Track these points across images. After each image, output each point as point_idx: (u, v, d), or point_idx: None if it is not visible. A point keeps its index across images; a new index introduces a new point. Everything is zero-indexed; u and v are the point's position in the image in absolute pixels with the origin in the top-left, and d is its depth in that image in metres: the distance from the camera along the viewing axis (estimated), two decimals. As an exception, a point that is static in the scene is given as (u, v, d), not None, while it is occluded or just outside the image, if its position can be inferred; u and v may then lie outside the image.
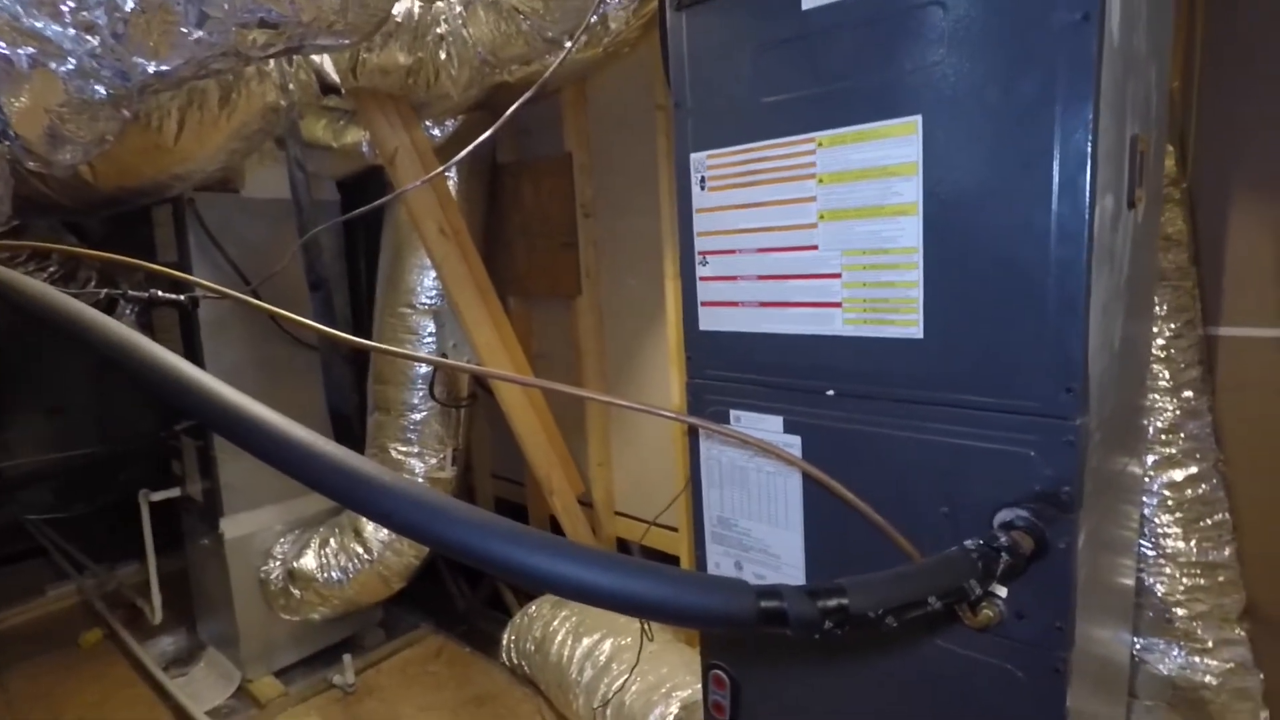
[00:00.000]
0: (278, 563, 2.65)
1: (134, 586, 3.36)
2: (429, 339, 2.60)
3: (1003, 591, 0.76)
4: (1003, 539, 0.69)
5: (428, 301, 2.61)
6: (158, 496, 2.79)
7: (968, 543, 0.69)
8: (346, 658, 2.75)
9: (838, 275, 0.84)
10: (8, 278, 0.85)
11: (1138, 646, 1.27)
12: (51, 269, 1.84)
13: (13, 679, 2.91)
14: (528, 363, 2.58)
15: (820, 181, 0.83)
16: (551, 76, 1.50)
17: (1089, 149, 0.66)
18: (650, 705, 1.88)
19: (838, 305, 0.84)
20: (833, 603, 0.56)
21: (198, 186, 2.34)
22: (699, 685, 1.93)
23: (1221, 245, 1.55)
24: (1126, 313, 0.87)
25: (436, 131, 2.55)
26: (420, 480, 2.58)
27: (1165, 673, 1.26)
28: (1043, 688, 0.77)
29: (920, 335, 0.79)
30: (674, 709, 1.83)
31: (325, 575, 2.57)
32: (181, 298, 1.16)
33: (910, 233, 0.78)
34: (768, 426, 0.93)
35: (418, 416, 2.61)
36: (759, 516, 0.97)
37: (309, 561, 2.59)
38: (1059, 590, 0.74)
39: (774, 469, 0.94)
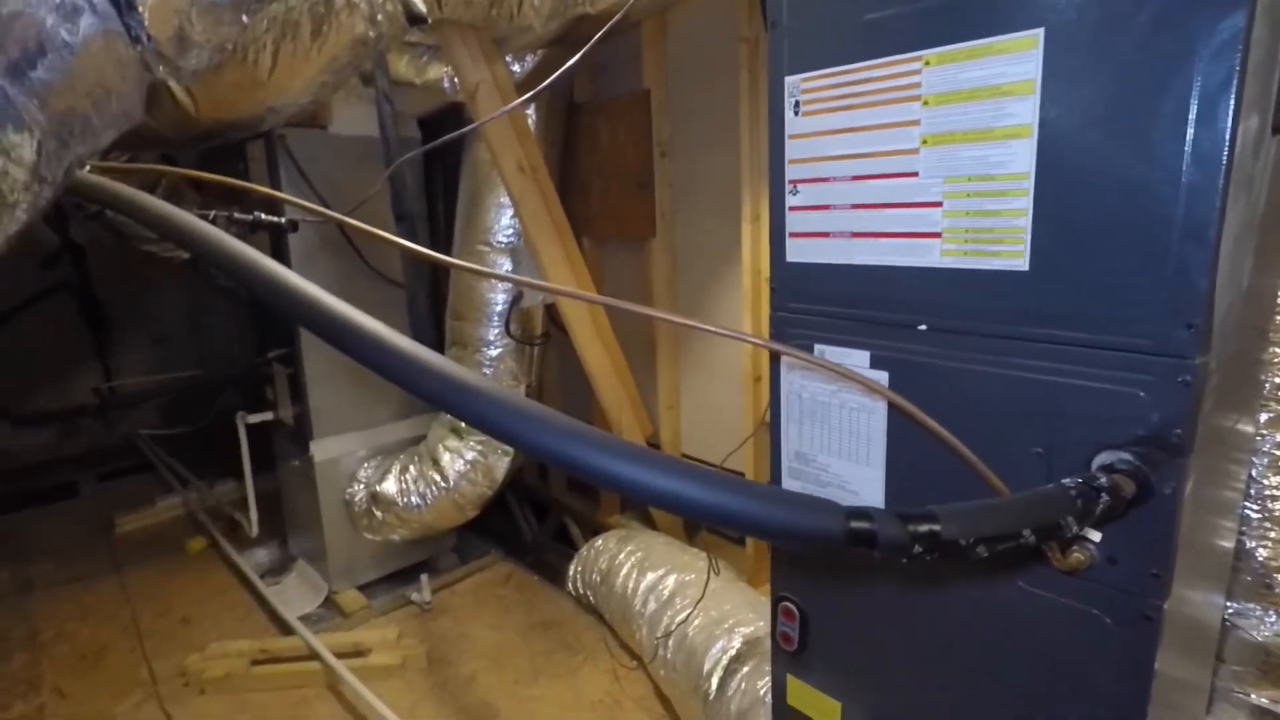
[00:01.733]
0: (362, 486, 2.80)
1: (232, 502, 3.63)
2: (504, 277, 2.64)
3: (1096, 535, 0.74)
4: (1103, 480, 0.67)
5: (504, 240, 2.65)
6: (253, 419, 2.99)
7: (1066, 481, 0.67)
8: (423, 578, 2.92)
9: (939, 204, 0.80)
10: (139, 198, 0.91)
11: (1230, 610, 1.21)
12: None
13: (129, 576, 3.22)
14: (600, 305, 2.60)
15: (925, 103, 0.79)
16: (633, 7, 1.46)
17: (1237, 60, 0.60)
18: (713, 639, 1.92)
19: (937, 236, 0.81)
20: (924, 528, 0.55)
21: (288, 122, 2.42)
22: (760, 622, 1.97)
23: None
24: (1257, 252, 0.81)
25: (517, 68, 2.54)
26: (494, 414, 2.67)
27: (1259, 639, 1.20)
28: (1131, 636, 0.75)
29: (1025, 268, 0.75)
30: (736, 643, 1.87)
31: (405, 500, 2.71)
32: (283, 220, 1.22)
33: (1022, 158, 0.73)
34: (854, 361, 0.91)
35: (493, 352, 2.68)
36: (838, 452, 0.96)
37: (390, 486, 2.73)
38: (1160, 537, 0.71)
39: (857, 404, 0.92)
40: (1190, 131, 0.63)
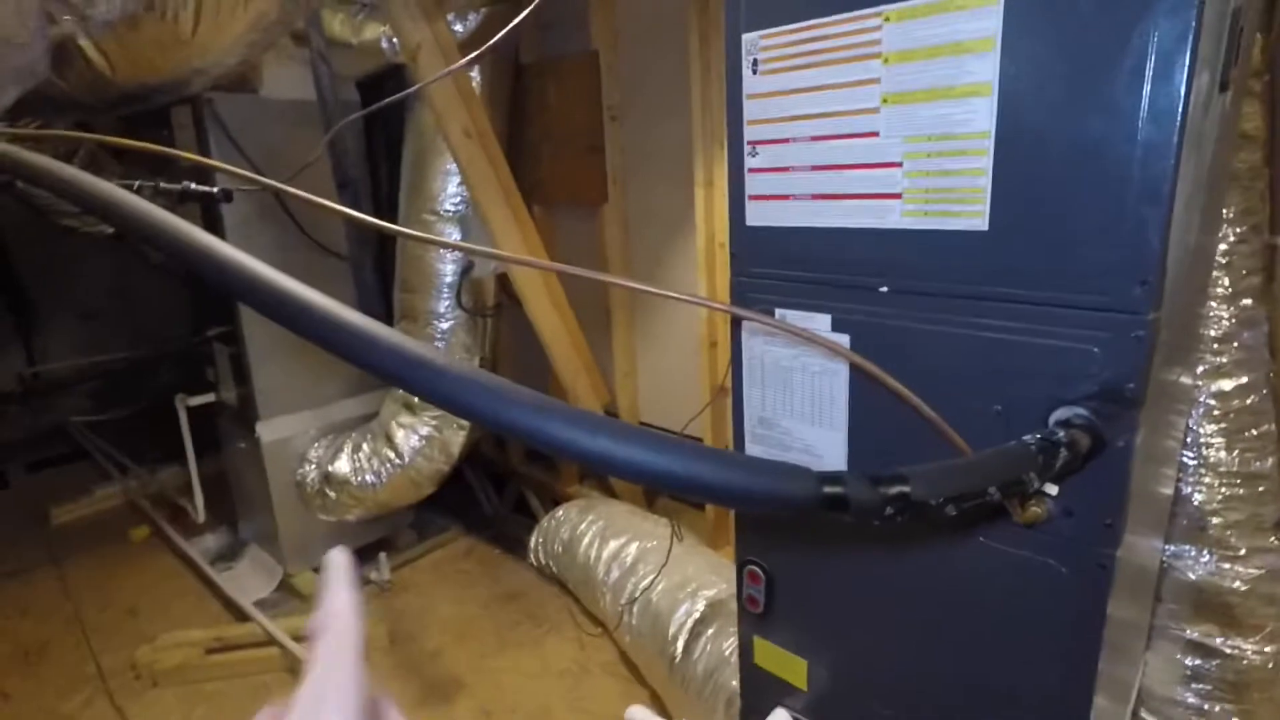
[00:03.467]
0: (313, 466, 2.73)
1: (176, 488, 3.50)
2: (454, 247, 2.57)
3: (1053, 489, 0.76)
4: (1061, 435, 0.68)
5: (452, 208, 2.57)
6: (194, 401, 2.87)
7: (1026, 437, 0.68)
8: (382, 556, 2.88)
9: (899, 164, 0.80)
10: (54, 166, 0.83)
11: (1168, 553, 1.28)
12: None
13: (69, 569, 3.09)
14: (553, 274, 2.56)
15: (885, 61, 0.78)
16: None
17: (1194, 15, 0.60)
18: (676, 603, 1.95)
19: (897, 197, 0.81)
20: (894, 489, 0.56)
21: (216, 85, 2.28)
22: (723, 585, 2.00)
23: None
24: (1202, 209, 0.83)
25: (459, 27, 2.44)
26: (449, 388, 2.62)
27: (1193, 578, 1.27)
28: (1086, 583, 0.77)
29: (985, 227, 0.75)
30: (700, 606, 1.90)
31: (359, 479, 2.65)
32: (215, 189, 1.14)
33: (982, 116, 0.73)
34: (815, 325, 0.91)
35: (445, 325, 2.62)
36: (801, 416, 0.96)
37: (343, 465, 2.67)
38: (1113, 488, 0.73)
39: (820, 368, 0.92)
40: (1147, 88, 0.64)
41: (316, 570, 2.88)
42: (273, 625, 2.46)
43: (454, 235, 2.56)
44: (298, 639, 2.40)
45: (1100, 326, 0.70)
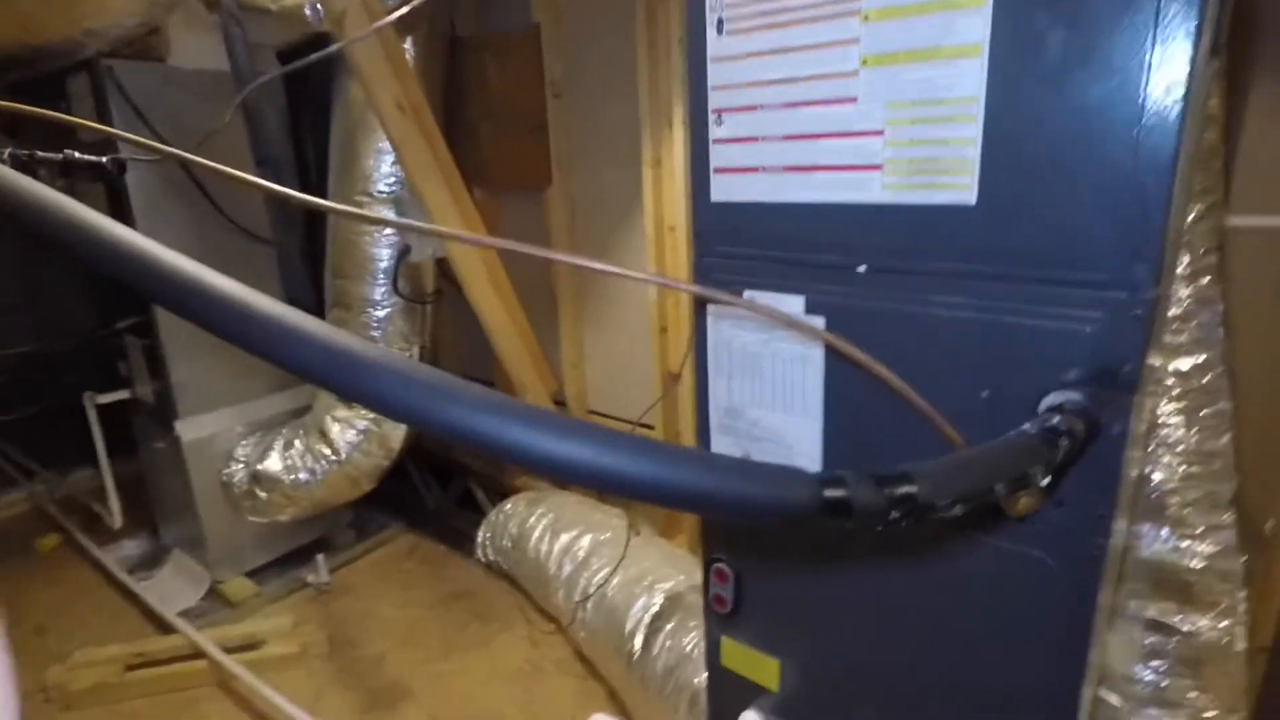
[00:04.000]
0: (241, 465, 2.55)
1: (89, 491, 3.24)
2: (389, 230, 2.42)
3: (1044, 479, 0.71)
4: (1060, 423, 0.64)
5: (386, 189, 2.42)
6: (105, 399, 2.64)
7: (1026, 426, 0.63)
8: (320, 557, 2.73)
9: (879, 132, 0.73)
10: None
11: (1130, 530, 1.28)
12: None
13: (-33, 585, 2.82)
14: (496, 258, 2.44)
15: (865, 18, 0.71)
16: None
17: (1204, -33, 0.56)
18: (633, 597, 1.89)
19: (877, 168, 0.74)
20: (900, 490, 0.50)
21: (116, 51, 2.07)
22: (680, 577, 1.94)
23: (1238, 127, 1.48)
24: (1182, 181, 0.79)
25: (389, -7, 2.28)
26: (387, 380, 2.48)
27: (1151, 557, 1.28)
28: (1077, 575, 0.74)
29: (973, 201, 0.70)
30: (657, 600, 1.84)
31: (292, 477, 2.50)
32: (104, 159, 1.00)
33: (971, 79, 0.67)
34: (787, 308, 0.84)
35: (380, 313, 2.47)
36: (772, 405, 0.90)
37: (274, 463, 2.50)
38: (1107, 476, 0.69)
39: (792, 354, 0.86)
40: (1152, 49, 0.59)
41: (248, 575, 2.71)
42: (200, 636, 2.29)
43: (389, 217, 2.41)
44: (228, 649, 2.24)
45: (1097, 305, 0.65)
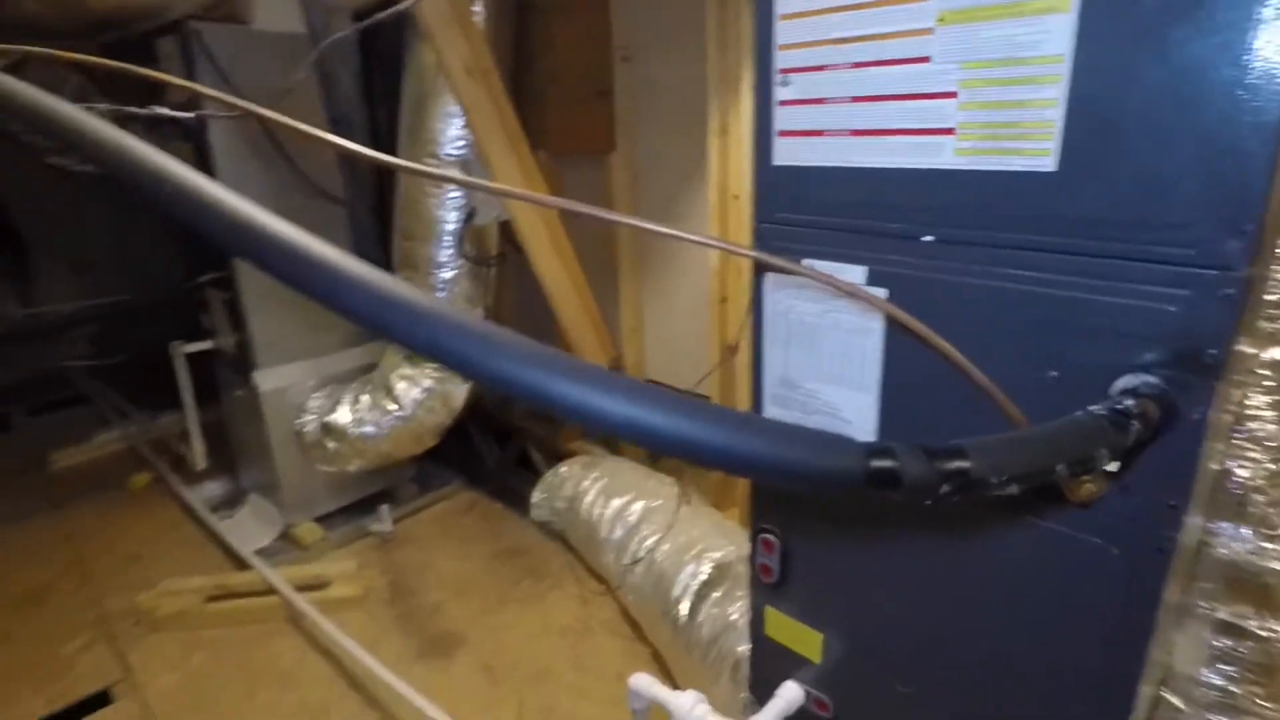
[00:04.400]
0: (312, 416, 2.67)
1: (176, 435, 3.46)
2: (455, 193, 2.46)
3: (1113, 465, 0.68)
4: (1131, 405, 0.60)
5: (454, 152, 2.45)
6: (190, 349, 2.80)
7: (1094, 407, 0.60)
8: (384, 508, 2.84)
9: (953, 94, 0.70)
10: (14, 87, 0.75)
11: (1206, 528, 1.21)
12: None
13: (71, 516, 3.07)
14: (559, 222, 2.46)
15: (945, -28, 0.68)
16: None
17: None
18: (682, 564, 1.90)
19: (949, 132, 0.71)
20: (953, 465, 0.48)
21: (203, 14, 2.15)
22: (730, 548, 1.95)
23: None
24: None
25: (461, -45, 2.28)
26: (450, 340, 2.54)
27: (1229, 556, 1.21)
28: (1141, 567, 0.71)
29: (1053, 168, 0.66)
30: (706, 568, 1.85)
31: (359, 430, 2.60)
32: (191, 115, 1.05)
33: (1058, 36, 0.63)
34: (849, 279, 0.82)
35: (446, 275, 2.53)
36: (829, 377, 0.88)
37: (343, 416, 2.61)
38: (1182, 466, 0.66)
39: (851, 325, 0.84)
40: (1263, 4, 0.54)
41: (317, 521, 2.86)
42: (273, 573, 2.43)
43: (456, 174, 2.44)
44: (298, 587, 2.38)
45: (1183, 283, 0.61)
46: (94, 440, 3.65)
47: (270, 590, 2.41)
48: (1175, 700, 1.27)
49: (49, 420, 4.02)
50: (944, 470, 0.48)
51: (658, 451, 0.46)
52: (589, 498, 2.41)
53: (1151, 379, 0.64)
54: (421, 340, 0.48)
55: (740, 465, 0.47)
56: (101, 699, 2.09)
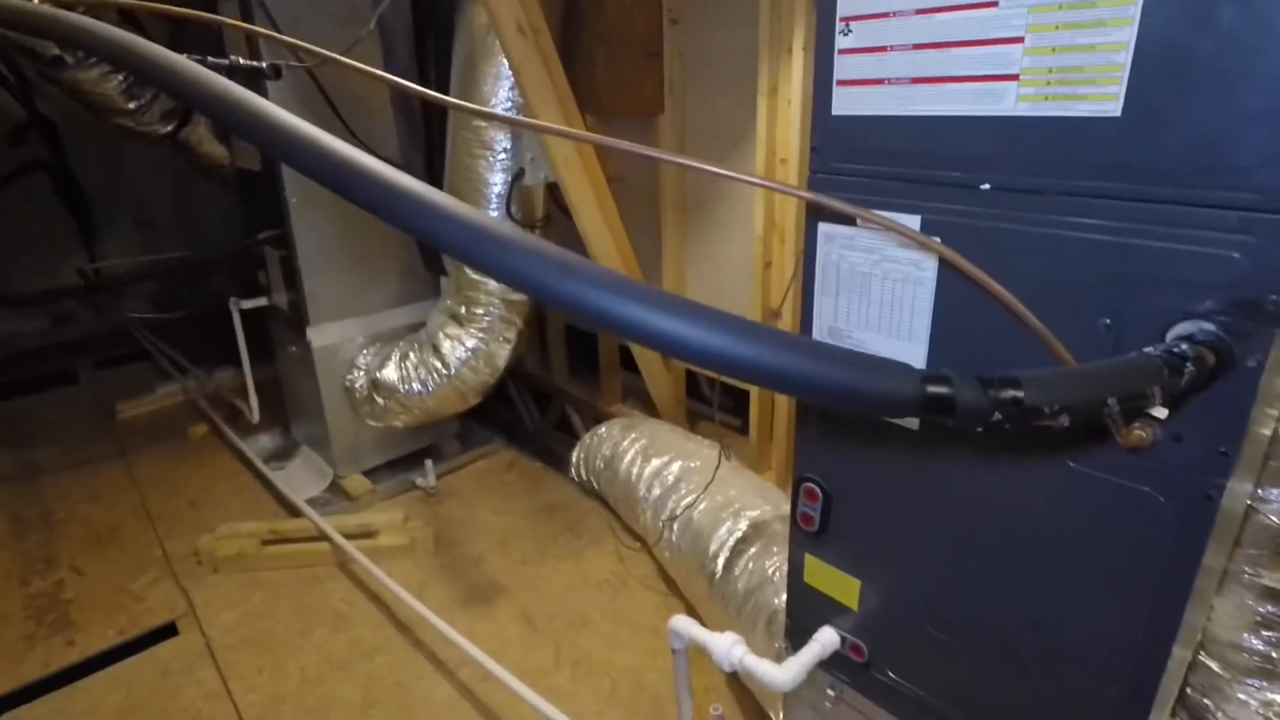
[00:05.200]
0: (362, 372, 2.76)
1: (232, 389, 3.61)
2: (503, 154, 2.49)
3: (1162, 412, 0.69)
4: (1187, 349, 0.61)
5: (504, 113, 2.48)
6: (247, 305, 2.91)
7: (1148, 349, 0.61)
8: (428, 463, 2.94)
9: (1019, 40, 0.70)
10: (86, 23, 0.79)
11: (1256, 494, 1.20)
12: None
13: (135, 461, 3.24)
14: (605, 186, 2.47)
15: (1015, -87, 0.67)
16: None
17: None
18: (719, 521, 1.94)
19: (1013, 78, 0.71)
20: (1007, 393, 0.50)
21: (263, -26, 2.20)
22: (767, 507, 1.98)
23: None
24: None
25: (513, -87, 2.28)
26: (495, 299, 2.59)
27: (1276, 523, 1.20)
28: (1188, 516, 0.72)
29: (1117, 113, 0.66)
30: (743, 525, 1.89)
31: (406, 387, 2.68)
32: (264, 64, 1.09)
33: (1130, -23, 0.62)
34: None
35: (493, 236, 2.57)
36: (878, 327, 0.90)
37: (391, 373, 2.70)
38: (1235, 413, 0.66)
39: (902, 275, 0.85)
40: (1348, -65, 0.53)
41: (365, 474, 2.97)
42: (324, 521, 2.54)
43: (504, 141, 2.47)
44: (347, 535, 2.49)
45: (1248, 229, 0.61)
46: (156, 393, 3.82)
47: (321, 537, 2.53)
48: (1212, 664, 1.27)
49: (114, 373, 4.21)
50: (998, 398, 0.50)
51: (718, 371, 0.49)
52: (628, 458, 2.46)
53: (1209, 325, 0.64)
54: (503, 268, 0.51)
55: (799, 386, 0.49)
56: (169, 630, 2.23)
